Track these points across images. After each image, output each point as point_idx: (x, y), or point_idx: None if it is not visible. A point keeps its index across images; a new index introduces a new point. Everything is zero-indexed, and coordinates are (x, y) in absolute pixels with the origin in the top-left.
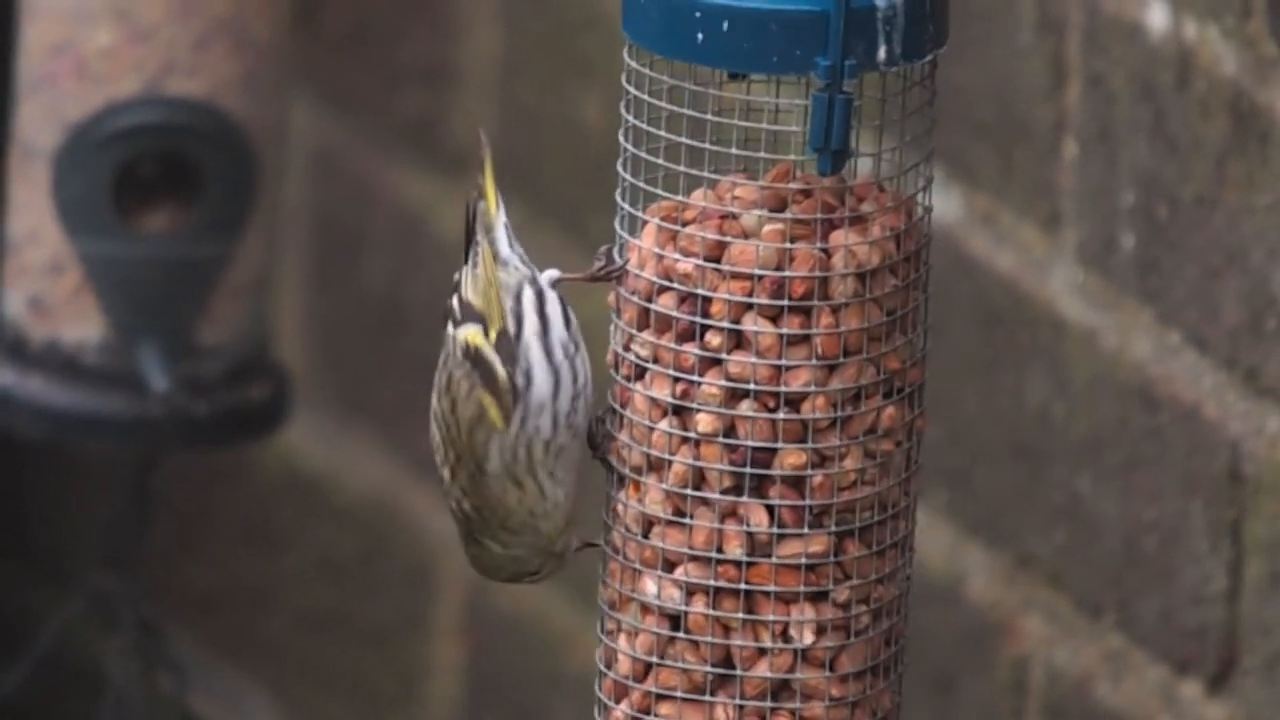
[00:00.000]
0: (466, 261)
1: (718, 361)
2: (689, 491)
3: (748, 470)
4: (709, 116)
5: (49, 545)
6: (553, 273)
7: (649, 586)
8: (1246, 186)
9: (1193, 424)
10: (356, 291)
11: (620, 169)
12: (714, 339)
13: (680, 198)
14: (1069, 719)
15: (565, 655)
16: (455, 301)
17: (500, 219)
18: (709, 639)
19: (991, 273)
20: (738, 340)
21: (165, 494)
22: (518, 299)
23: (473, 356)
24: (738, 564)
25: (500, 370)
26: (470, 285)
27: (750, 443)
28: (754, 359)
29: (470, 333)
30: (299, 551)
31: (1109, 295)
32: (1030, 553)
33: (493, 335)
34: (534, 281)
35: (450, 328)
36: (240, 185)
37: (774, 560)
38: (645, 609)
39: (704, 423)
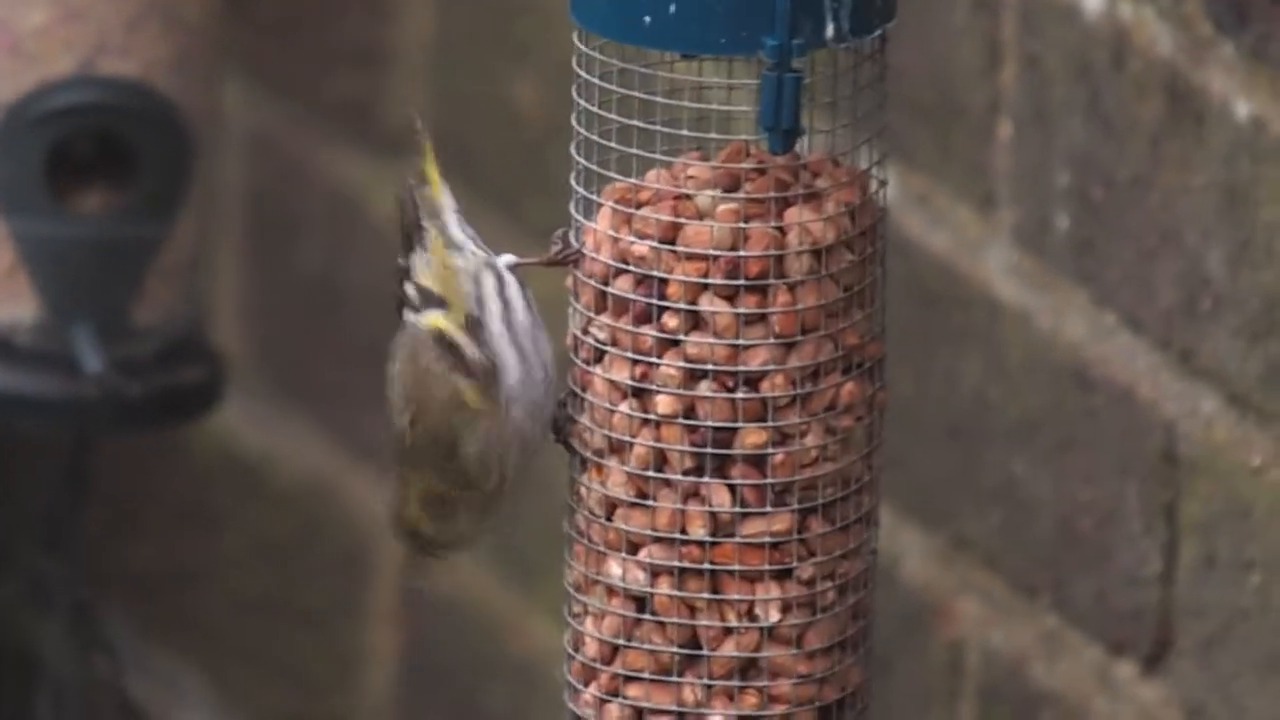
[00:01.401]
0: (411, 248)
1: (675, 343)
2: (651, 473)
3: (709, 450)
4: (659, 98)
5: None
6: (509, 257)
7: (613, 569)
8: (1182, 167)
9: (1128, 405)
10: (292, 274)
11: (573, 152)
12: (671, 320)
13: (634, 180)
14: (1004, 700)
15: (503, 640)
16: (411, 289)
17: (448, 203)
18: (675, 620)
19: (926, 253)
20: (695, 321)
21: (100, 476)
22: (478, 284)
23: (443, 343)
24: (701, 544)
25: (471, 354)
26: (425, 271)
27: (710, 423)
28: (712, 339)
29: (434, 318)
30: (235, 534)
31: (1044, 276)
32: (966, 534)
33: (458, 319)
34: (492, 266)
35: (409, 315)
36: (174, 166)
37: (738, 539)
38: (611, 591)
39: (663, 404)
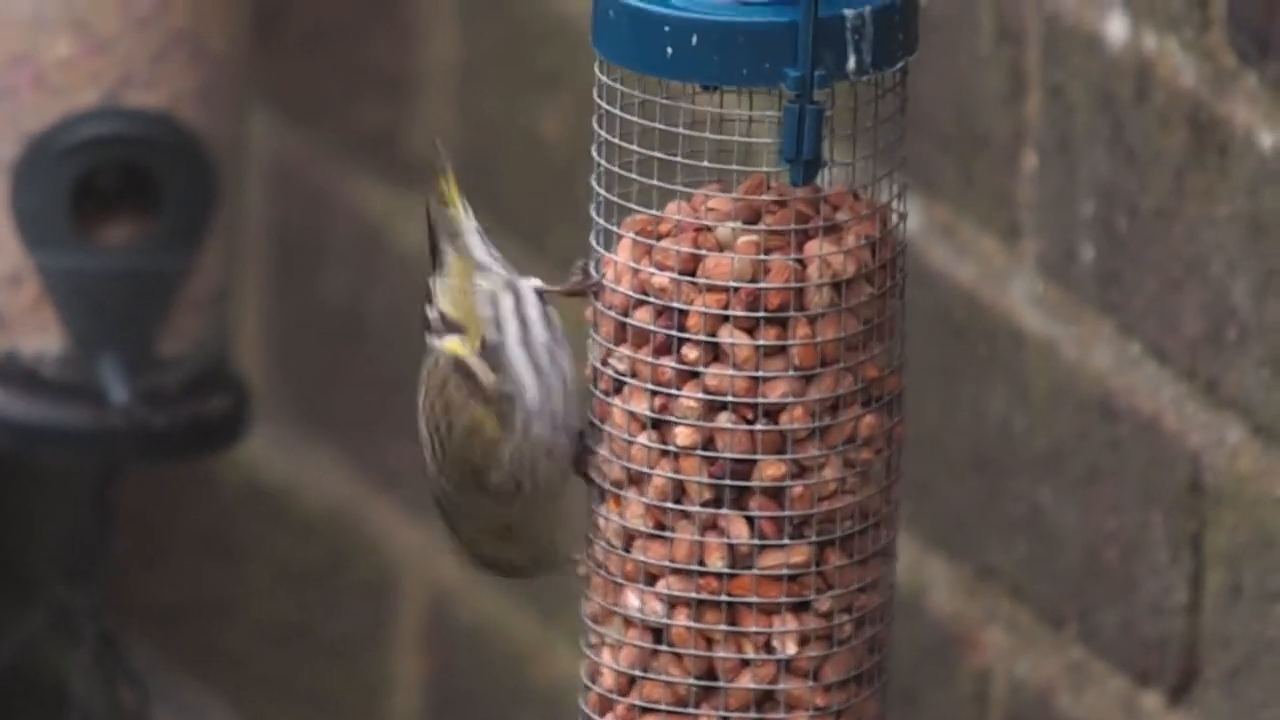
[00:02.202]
0: (434, 270)
1: (695, 374)
2: (669, 505)
3: (727, 482)
4: (681, 130)
5: (9, 559)
6: (534, 281)
7: (631, 600)
8: (1206, 198)
9: (1153, 435)
10: (316, 303)
11: (594, 183)
12: (691, 352)
13: (654, 211)
14: None
15: (528, 669)
16: (433, 312)
17: (469, 224)
18: (692, 651)
19: (951, 284)
20: (715, 353)
21: (126, 506)
22: (495, 305)
23: (460, 369)
24: (719, 576)
25: (486, 379)
26: (443, 295)
27: (729, 455)
28: (731, 371)
29: (452, 344)
30: (260, 564)
31: (1069, 307)
32: (991, 565)
33: (474, 345)
34: (511, 285)
35: (432, 340)
36: (199, 197)
37: (755, 572)
38: (628, 623)
39: (682, 436)
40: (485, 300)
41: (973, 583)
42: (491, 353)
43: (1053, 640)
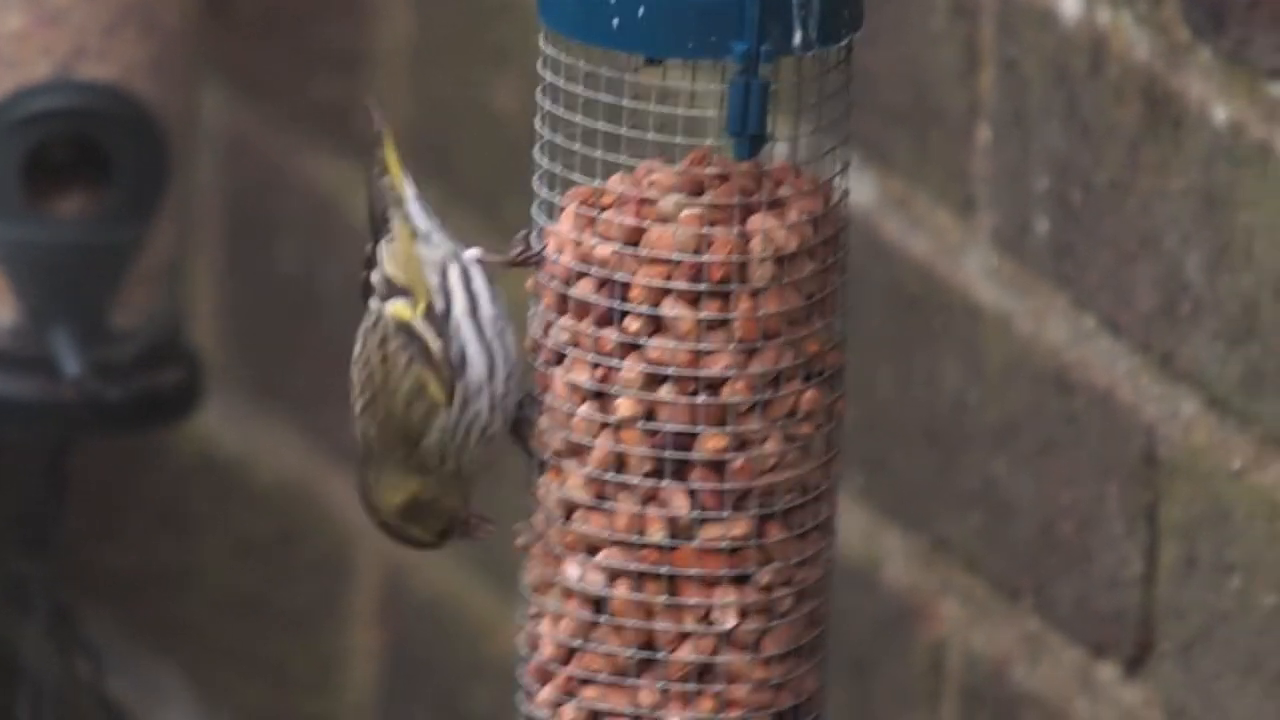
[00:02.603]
0: (377, 236)
1: (637, 346)
2: (610, 476)
3: (668, 454)
4: (625, 102)
5: None
6: (475, 251)
7: (571, 571)
8: (1160, 172)
9: (1108, 408)
10: (270, 276)
11: (537, 155)
12: (633, 324)
13: (598, 183)
14: (986, 702)
15: (484, 641)
16: (376, 276)
17: (410, 191)
18: (632, 623)
19: (906, 257)
20: (657, 325)
21: (80, 478)
22: (443, 275)
23: (406, 333)
24: (660, 548)
25: (434, 344)
26: (390, 260)
27: (670, 427)
28: (673, 343)
29: (398, 307)
30: (215, 536)
31: (1023, 280)
32: (946, 536)
33: (420, 309)
34: (458, 257)
35: (374, 302)
36: (151, 169)
37: (696, 544)
38: (568, 593)
39: (624, 407)
40: (433, 269)
41: (928, 555)
42: (438, 319)
43: (1008, 612)
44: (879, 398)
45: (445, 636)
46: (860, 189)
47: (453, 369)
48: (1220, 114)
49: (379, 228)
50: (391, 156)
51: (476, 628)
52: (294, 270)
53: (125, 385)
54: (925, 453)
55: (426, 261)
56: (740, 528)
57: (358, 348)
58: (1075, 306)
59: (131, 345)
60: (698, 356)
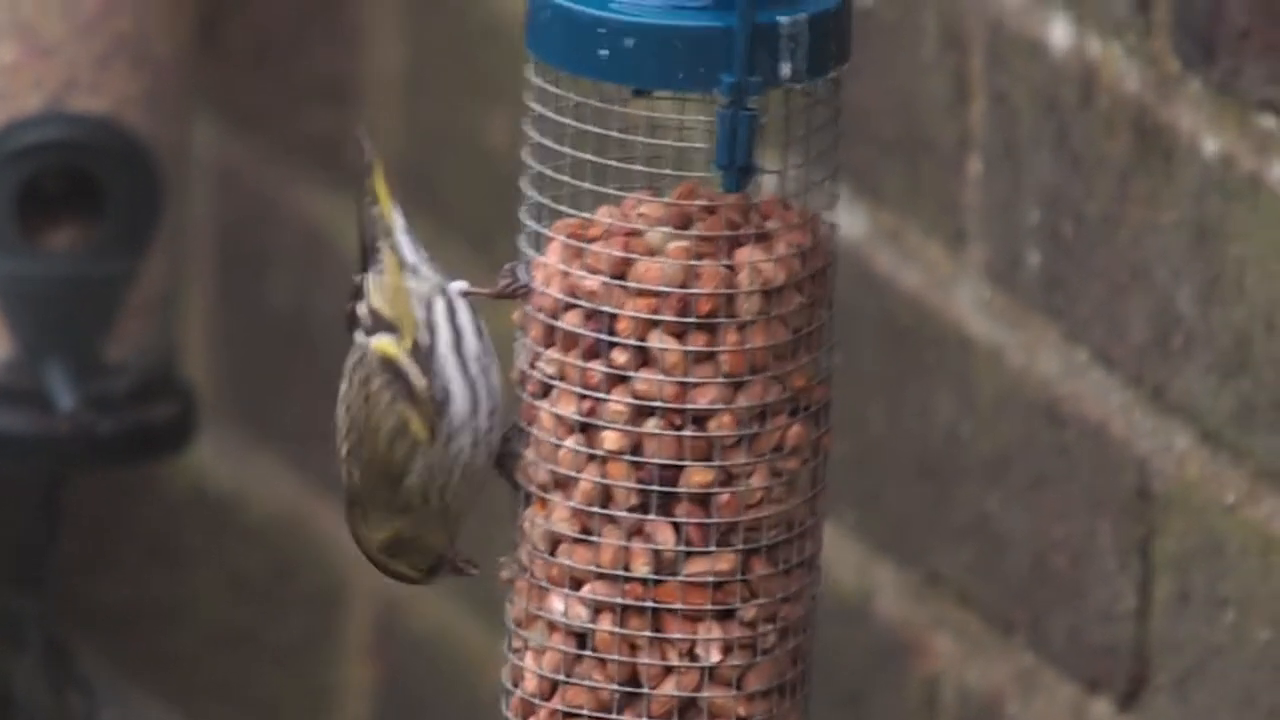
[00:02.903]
0: (366, 268)
1: (624, 379)
2: (596, 509)
3: (654, 488)
4: (614, 133)
5: None
6: (461, 284)
7: (556, 604)
8: (1151, 203)
9: (1100, 441)
10: (262, 309)
11: (525, 186)
12: (620, 356)
13: (586, 215)
14: None
15: (478, 676)
16: (363, 308)
17: (399, 223)
18: (616, 657)
19: (897, 290)
20: (644, 358)
21: (73, 512)
22: (429, 308)
23: (390, 369)
24: (644, 582)
25: (418, 382)
26: (377, 293)
27: (657, 460)
28: (660, 376)
29: (383, 343)
30: (208, 570)
31: (1015, 313)
32: (939, 571)
33: (407, 345)
34: (444, 291)
35: (360, 336)
36: (144, 202)
37: (681, 578)
38: (552, 627)
39: (610, 440)
40: (419, 302)
41: (920, 588)
42: (423, 356)
43: (1002, 647)
44: (871, 431)
45: (439, 672)
46: (852, 221)
47: (436, 406)
48: (1210, 146)
49: (368, 258)
50: (381, 187)
51: (470, 663)
52: (286, 303)
53: (118, 419)
54: (918, 486)
55: (414, 294)
56: (725, 563)
57: (343, 386)
58: (1067, 339)
59: (125, 379)
60: (684, 390)
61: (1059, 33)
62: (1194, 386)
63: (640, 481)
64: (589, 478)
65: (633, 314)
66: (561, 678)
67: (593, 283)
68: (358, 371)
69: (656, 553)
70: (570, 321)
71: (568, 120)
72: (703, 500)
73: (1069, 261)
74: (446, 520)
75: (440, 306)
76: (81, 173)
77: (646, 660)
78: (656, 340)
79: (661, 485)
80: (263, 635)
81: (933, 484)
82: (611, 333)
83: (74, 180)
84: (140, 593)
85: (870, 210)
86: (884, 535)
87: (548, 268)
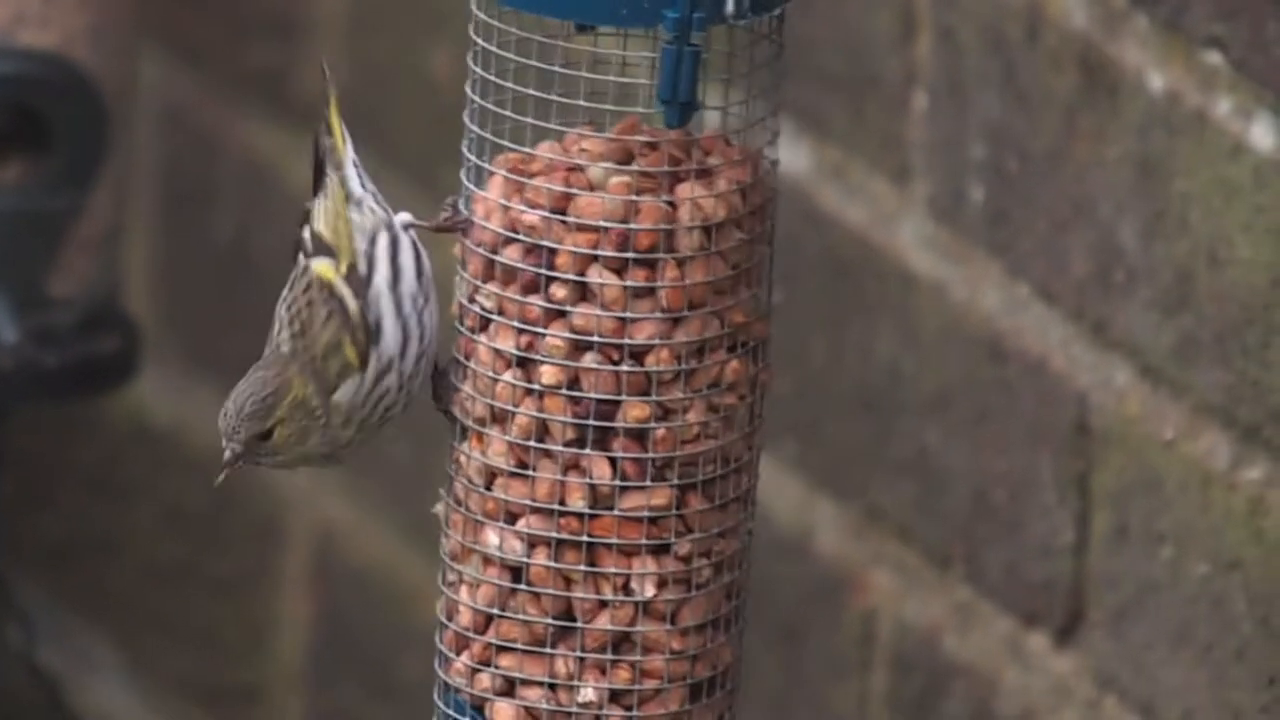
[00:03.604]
0: (316, 194)
1: (562, 314)
2: (532, 444)
3: (591, 423)
4: (557, 69)
5: None
6: (405, 215)
7: (491, 538)
8: (1096, 139)
9: (1041, 377)
10: (205, 244)
11: (467, 121)
12: (559, 291)
13: (527, 150)
14: (917, 671)
15: (414, 609)
16: (306, 232)
17: (349, 156)
18: (550, 591)
19: (841, 225)
20: (583, 293)
21: (13, 446)
22: (372, 242)
23: (326, 290)
24: (580, 516)
25: (352, 304)
26: (320, 217)
27: (594, 395)
28: (599, 311)
29: (322, 266)
30: (148, 503)
31: (958, 248)
32: (879, 505)
33: (343, 269)
34: (390, 226)
35: (301, 258)
36: (90, 137)
37: (616, 513)
38: (487, 561)
39: (548, 375)
40: (362, 234)
41: (860, 524)
42: (359, 282)
43: (939, 582)
44: (813, 366)
45: (376, 604)
46: (796, 157)
47: (369, 334)
48: (1156, 82)
49: (318, 186)
50: (335, 118)
51: (407, 596)
52: (229, 238)
53: (62, 353)
54: (859, 421)
55: (357, 226)
56: (661, 497)
57: (285, 291)
58: (1009, 275)
59: (68, 313)
60: (623, 325)
61: None
62: (1135, 322)
63: (577, 416)
64: (526, 412)
65: (572, 249)
66: (496, 611)
67: (533, 217)
68: (299, 281)
69: (592, 487)
70: (510, 256)
71: (511, 55)
72: (639, 435)
73: (1013, 197)
74: (340, 448)
75: (384, 241)
76: (28, 108)
77: (581, 595)
78: (596, 275)
79: (598, 420)
80: (201, 569)
81: (874, 419)
82: (551, 267)
83: (20, 115)
84: (80, 526)
85: (815, 146)
86: (824, 470)
87: (488, 202)
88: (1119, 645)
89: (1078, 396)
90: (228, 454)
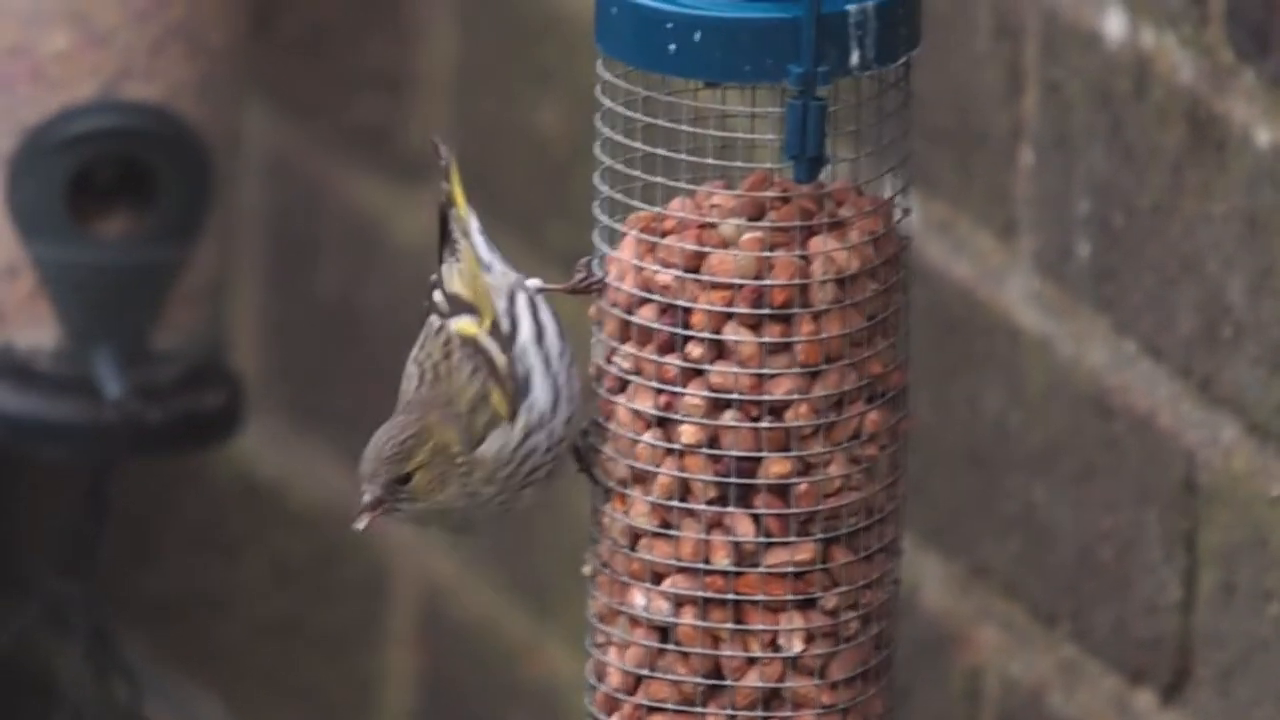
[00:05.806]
0: (441, 261)
1: (700, 372)
2: (674, 503)
3: (732, 480)
4: (684, 126)
5: (3, 552)
6: (535, 281)
7: (637, 599)
8: (1203, 195)
9: (1148, 433)
10: (311, 298)
11: (597, 181)
12: (695, 349)
13: (658, 208)
14: None
15: (521, 665)
16: (439, 295)
17: (474, 224)
18: (698, 650)
19: (948, 281)
20: (719, 350)
21: (120, 500)
22: (511, 300)
23: (470, 345)
24: (725, 574)
25: (499, 357)
26: (455, 279)
27: (734, 452)
28: (736, 368)
29: (463, 324)
30: (254, 559)
31: (1065, 304)
32: (985, 562)
33: (485, 326)
34: (523, 287)
35: (436, 320)
36: (195, 190)
37: (761, 569)
38: (634, 622)
39: (688, 434)
40: (499, 293)
41: (966, 580)
42: (503, 338)
43: (1045, 639)
44: (920, 421)
45: (482, 660)
46: None
47: (516, 385)
48: (1263, 137)
49: (443, 253)
50: (457, 188)
51: (513, 652)
52: (335, 292)
53: (166, 407)
54: (965, 477)
55: (492, 287)
56: (805, 552)
57: (415, 349)
58: (1116, 330)
59: (173, 367)
60: (760, 381)
61: (1113, 23)
62: (1242, 378)
63: (718, 474)
64: (667, 471)
65: (707, 307)
66: (645, 672)
67: (666, 276)
68: (435, 339)
69: (736, 545)
70: (645, 316)
71: (637, 114)
72: (781, 491)
73: (1119, 252)
74: (481, 512)
75: (522, 300)
76: (134, 161)
77: (729, 652)
78: (731, 332)
79: (739, 477)
80: (307, 624)
81: (980, 475)
82: (686, 326)
83: (126, 168)
84: (185, 581)
85: (922, 200)
86: (931, 526)
87: (621, 262)
88: (1226, 703)
89: (1185, 453)
90: (367, 497)
